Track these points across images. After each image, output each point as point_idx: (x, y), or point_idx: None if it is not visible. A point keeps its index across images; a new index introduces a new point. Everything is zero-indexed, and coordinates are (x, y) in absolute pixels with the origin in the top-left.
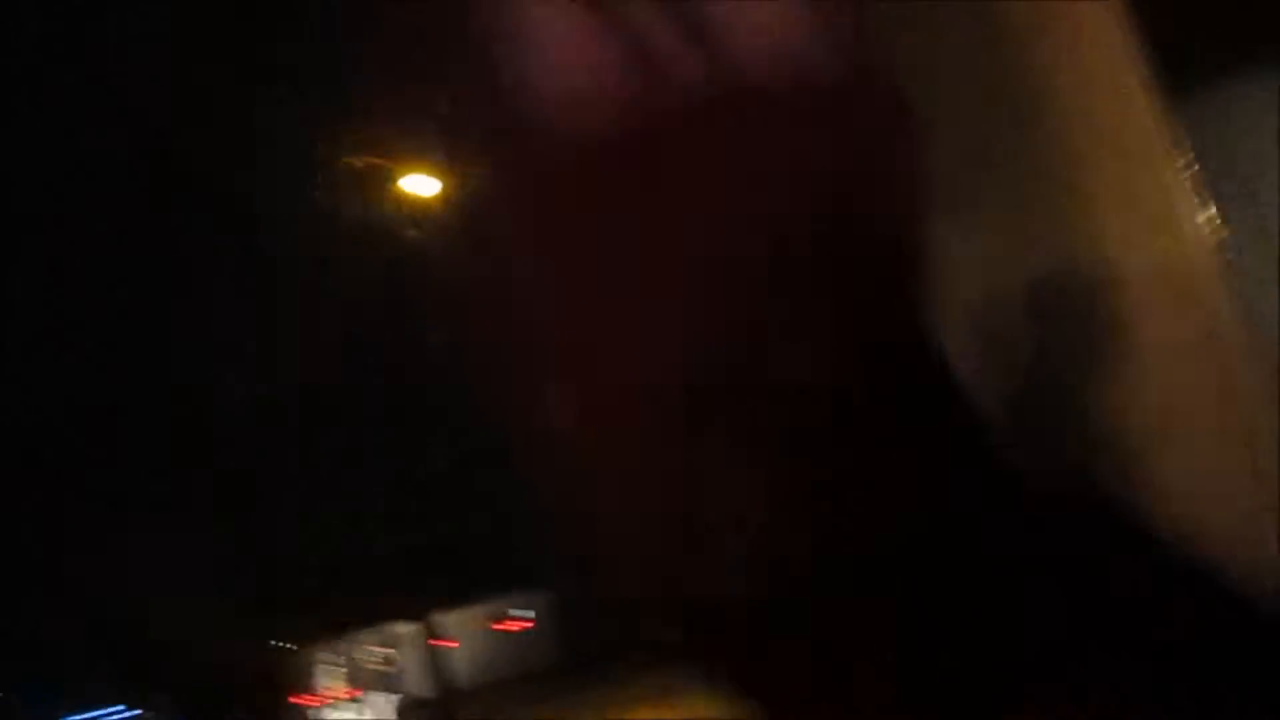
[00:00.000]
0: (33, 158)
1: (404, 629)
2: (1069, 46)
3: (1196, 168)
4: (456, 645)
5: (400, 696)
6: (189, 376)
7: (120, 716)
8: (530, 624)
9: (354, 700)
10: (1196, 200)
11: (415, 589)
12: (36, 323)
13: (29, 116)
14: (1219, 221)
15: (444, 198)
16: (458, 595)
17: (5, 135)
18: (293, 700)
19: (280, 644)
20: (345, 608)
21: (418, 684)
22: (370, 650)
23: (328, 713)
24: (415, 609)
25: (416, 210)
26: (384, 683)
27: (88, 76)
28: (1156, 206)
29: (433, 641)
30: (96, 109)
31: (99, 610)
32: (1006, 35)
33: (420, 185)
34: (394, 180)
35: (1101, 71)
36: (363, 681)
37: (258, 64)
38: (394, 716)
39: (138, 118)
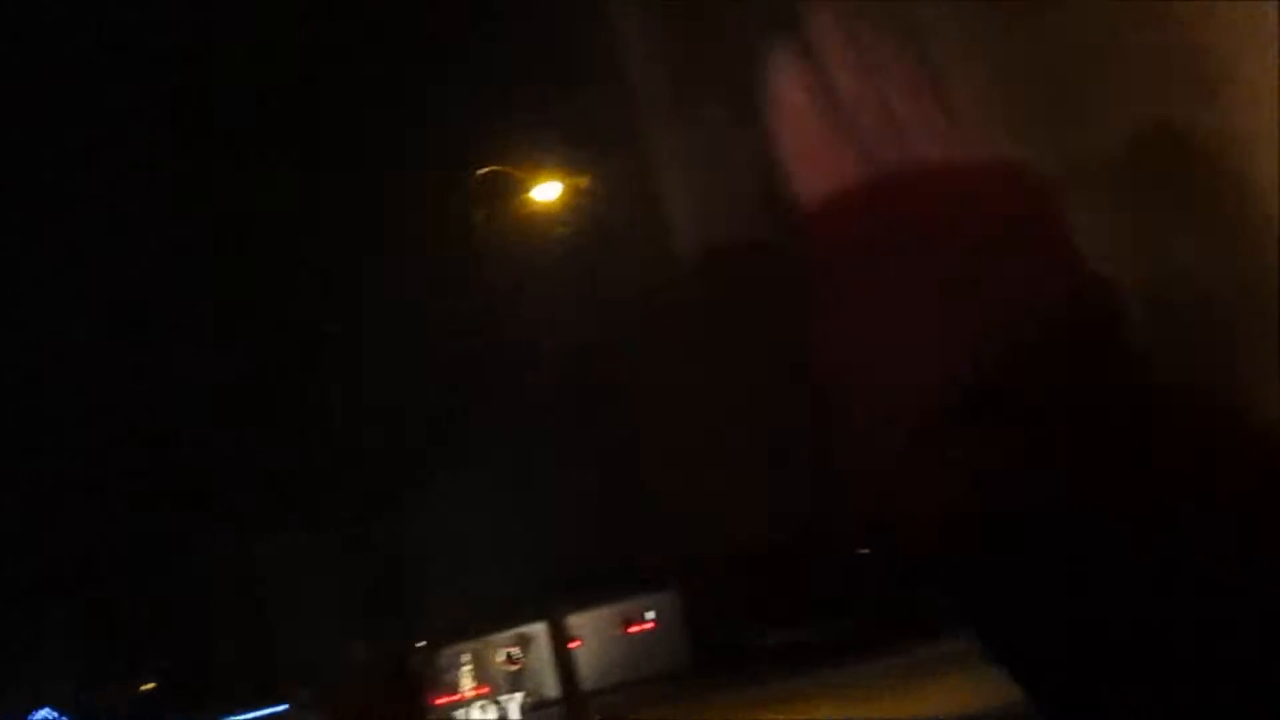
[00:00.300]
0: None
1: (532, 629)
2: (1250, 24)
3: None
4: (581, 645)
5: (526, 696)
6: (337, 382)
7: (270, 713)
8: (653, 625)
9: (483, 699)
10: None
11: (543, 590)
12: (190, 331)
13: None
14: None
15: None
16: (586, 596)
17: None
18: (428, 699)
19: (415, 644)
20: (476, 608)
21: (545, 684)
22: (499, 650)
23: (460, 711)
24: (544, 610)
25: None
26: (512, 682)
27: (229, 79)
28: None
29: (559, 642)
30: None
31: (247, 613)
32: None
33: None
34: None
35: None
36: (491, 681)
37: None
38: (519, 716)
39: (282, 122)
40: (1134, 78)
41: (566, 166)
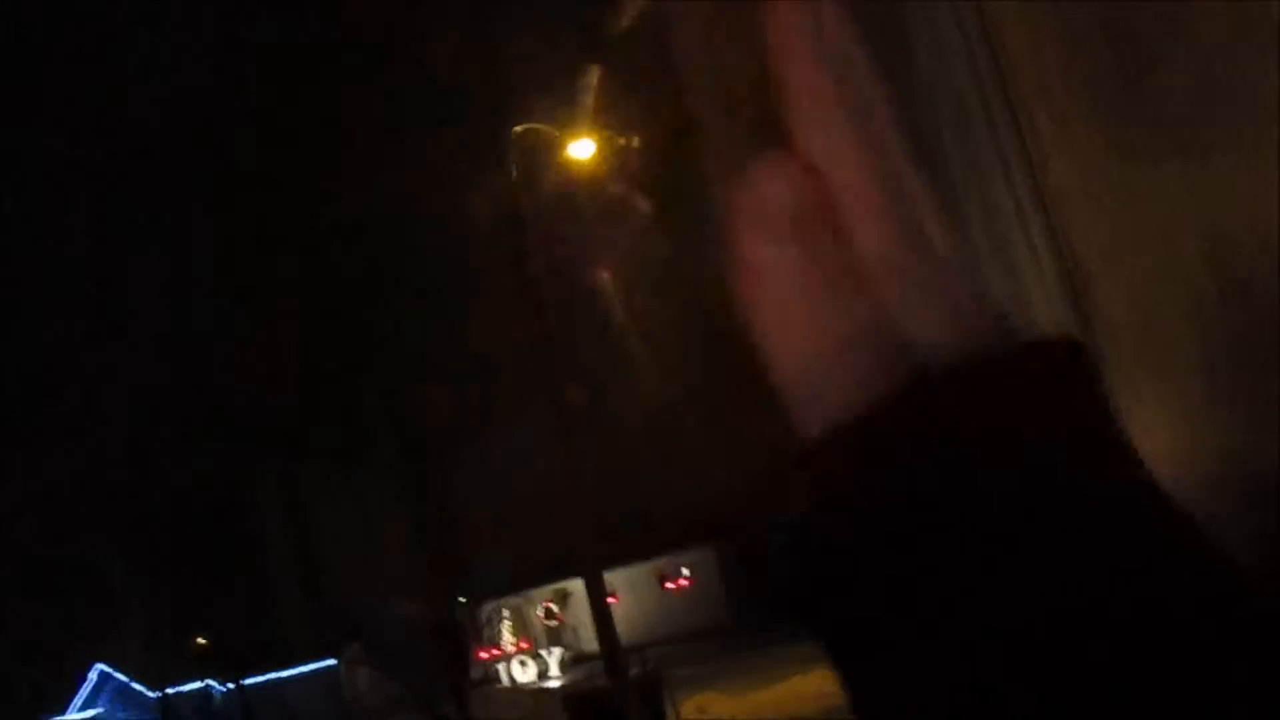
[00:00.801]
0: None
1: (571, 585)
2: None
3: None
4: (618, 601)
5: (565, 651)
6: (384, 341)
7: (320, 667)
8: (690, 582)
9: (524, 654)
10: None
11: (583, 545)
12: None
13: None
14: None
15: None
16: (624, 553)
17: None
18: (472, 653)
19: (458, 599)
20: (518, 563)
21: (584, 639)
22: (539, 606)
23: (501, 665)
24: (582, 566)
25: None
26: (551, 637)
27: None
28: None
29: (598, 597)
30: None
31: (298, 570)
32: None
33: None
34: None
35: None
36: (532, 636)
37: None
38: (559, 670)
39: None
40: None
41: (605, 125)
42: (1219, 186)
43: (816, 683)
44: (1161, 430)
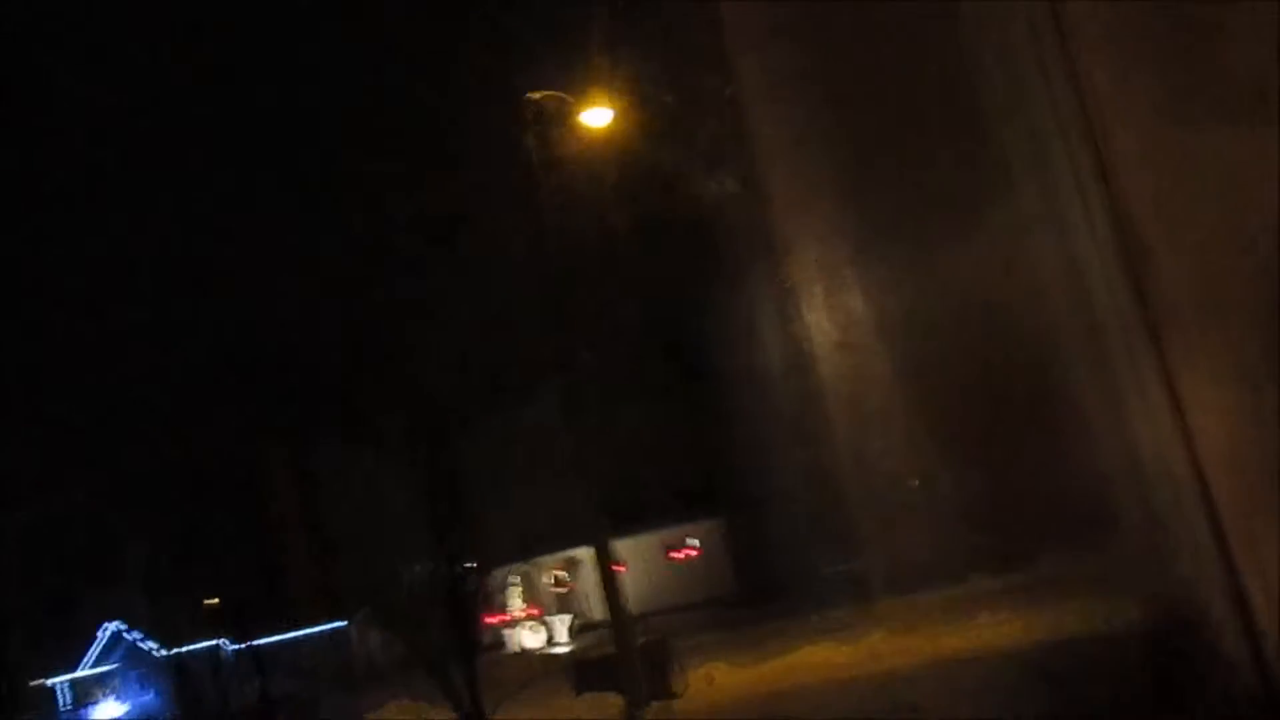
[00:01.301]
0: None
1: (579, 554)
2: None
3: None
4: (626, 570)
5: (573, 618)
6: (399, 306)
7: (330, 628)
8: (698, 552)
9: (533, 620)
10: None
11: (592, 514)
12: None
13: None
14: None
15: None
16: (632, 523)
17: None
18: (481, 618)
19: (468, 565)
20: (528, 531)
21: (591, 607)
22: (548, 573)
23: (510, 631)
24: (590, 535)
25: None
26: (560, 605)
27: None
28: None
29: (606, 566)
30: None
31: (309, 532)
32: None
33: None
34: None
35: None
36: (541, 603)
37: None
38: (567, 637)
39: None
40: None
41: (621, 94)
42: None
43: (823, 654)
44: (1221, 404)
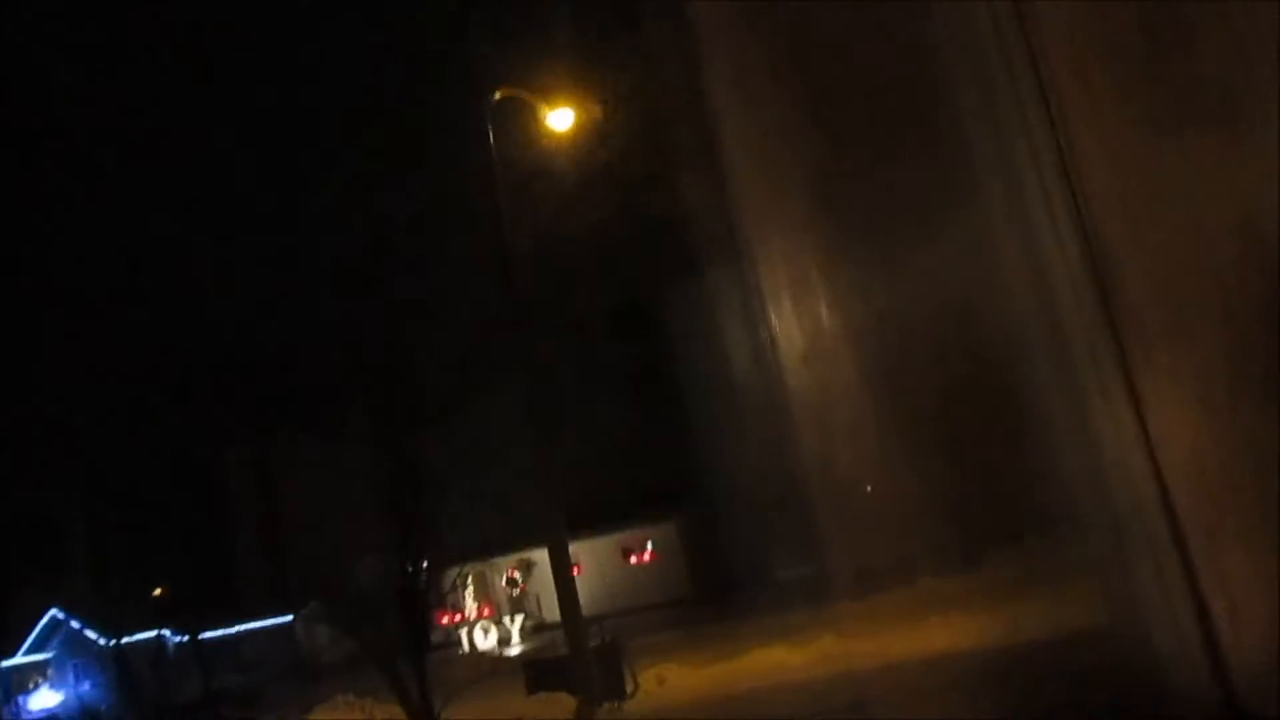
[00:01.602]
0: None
1: (534, 555)
2: None
3: None
4: (582, 572)
5: (526, 618)
6: (362, 298)
7: (276, 623)
8: (653, 556)
9: (486, 620)
10: None
11: (549, 516)
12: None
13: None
14: None
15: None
16: (589, 525)
17: None
18: (433, 617)
19: (422, 563)
20: (483, 531)
21: (546, 608)
22: (502, 573)
23: (463, 630)
24: (548, 535)
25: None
26: (513, 605)
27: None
28: None
29: (561, 568)
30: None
31: (259, 524)
32: None
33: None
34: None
35: None
36: (494, 603)
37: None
38: (520, 638)
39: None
40: None
41: (585, 95)
42: (1251, 159)
43: (775, 656)
44: (1183, 410)
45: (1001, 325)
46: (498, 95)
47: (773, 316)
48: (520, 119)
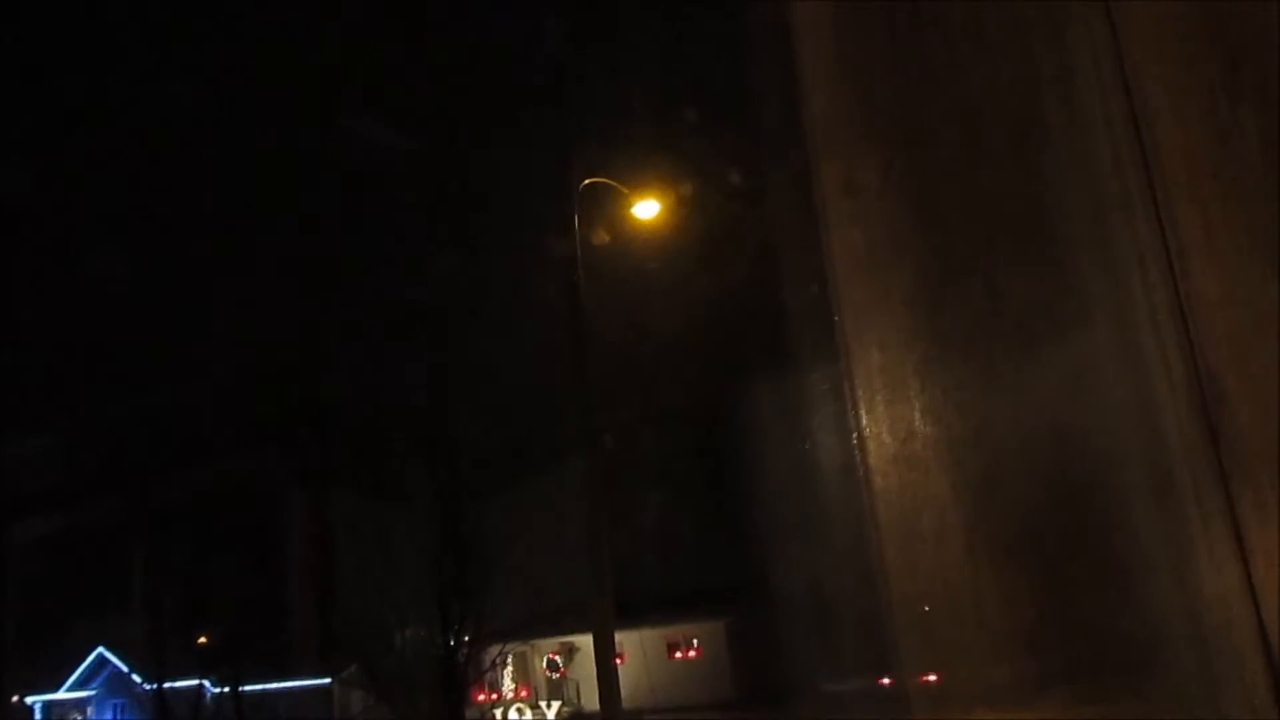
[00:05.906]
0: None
1: (578, 640)
2: None
3: None
4: (624, 661)
5: (563, 704)
6: (429, 367)
7: (314, 684)
8: (699, 653)
9: (522, 702)
10: None
11: (599, 603)
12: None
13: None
14: None
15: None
16: (636, 616)
17: None
18: (470, 693)
19: (464, 637)
20: (527, 613)
21: (585, 696)
22: (544, 656)
23: (498, 710)
24: (595, 622)
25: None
26: (552, 690)
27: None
28: None
29: (604, 656)
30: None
31: (310, 584)
32: None
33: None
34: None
35: None
36: (533, 685)
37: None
38: None
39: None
40: None
41: (672, 185)
42: None
43: None
44: None
45: (1099, 454)
46: (586, 181)
47: (864, 418)
48: (607, 206)
